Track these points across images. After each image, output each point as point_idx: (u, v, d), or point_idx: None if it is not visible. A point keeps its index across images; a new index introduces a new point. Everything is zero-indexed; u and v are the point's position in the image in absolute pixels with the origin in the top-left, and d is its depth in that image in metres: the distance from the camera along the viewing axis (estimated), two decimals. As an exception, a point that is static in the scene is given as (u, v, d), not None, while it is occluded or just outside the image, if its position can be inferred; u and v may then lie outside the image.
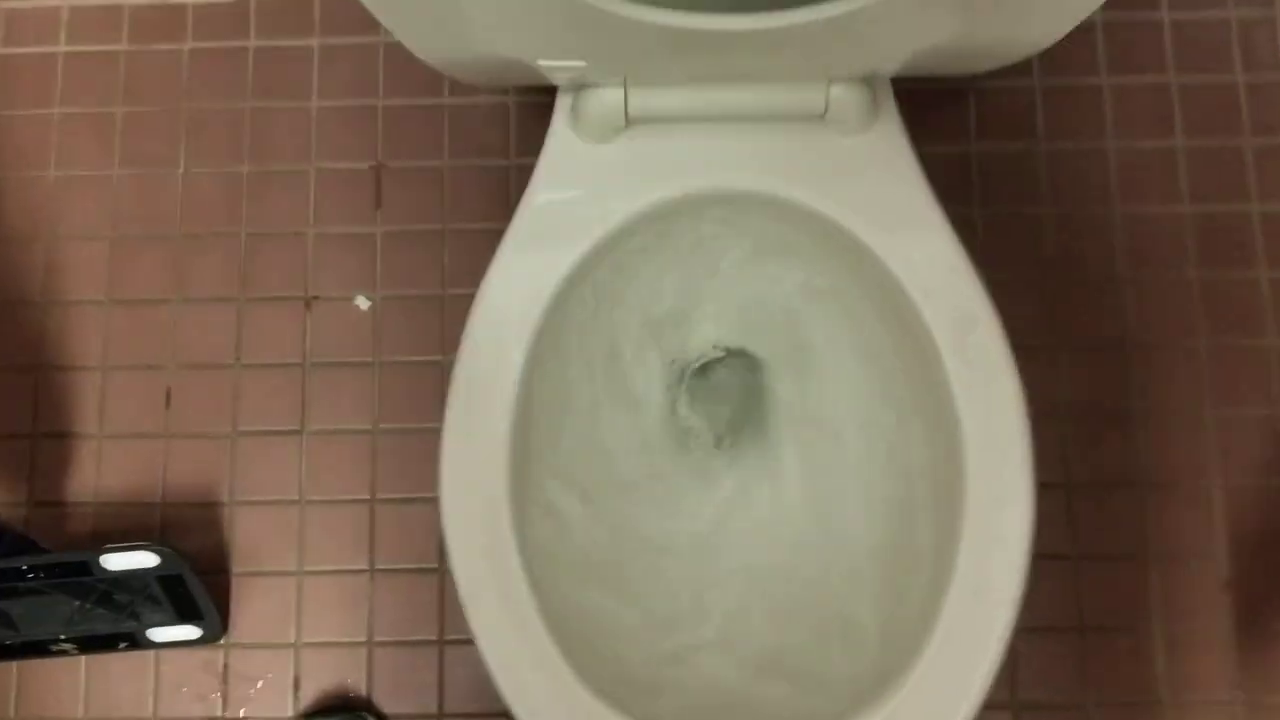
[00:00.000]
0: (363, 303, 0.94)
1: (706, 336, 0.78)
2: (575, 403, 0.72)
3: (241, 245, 0.95)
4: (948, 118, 0.95)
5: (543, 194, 0.68)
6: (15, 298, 0.95)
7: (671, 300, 0.76)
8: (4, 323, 0.94)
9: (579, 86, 0.66)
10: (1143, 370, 0.91)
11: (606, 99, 0.65)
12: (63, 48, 0.99)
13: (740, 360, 0.79)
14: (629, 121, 0.66)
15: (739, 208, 0.70)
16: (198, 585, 0.84)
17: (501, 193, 0.94)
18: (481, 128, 0.96)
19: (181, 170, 0.97)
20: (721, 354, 0.78)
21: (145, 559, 0.81)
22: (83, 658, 0.87)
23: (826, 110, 0.65)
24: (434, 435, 0.63)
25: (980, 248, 0.91)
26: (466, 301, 0.65)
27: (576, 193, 0.68)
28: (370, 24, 0.97)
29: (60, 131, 0.98)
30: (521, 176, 0.71)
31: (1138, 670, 0.87)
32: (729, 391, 0.79)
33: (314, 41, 0.98)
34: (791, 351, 0.77)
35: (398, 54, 0.97)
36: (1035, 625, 0.87)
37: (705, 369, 0.78)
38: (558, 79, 0.67)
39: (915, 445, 0.69)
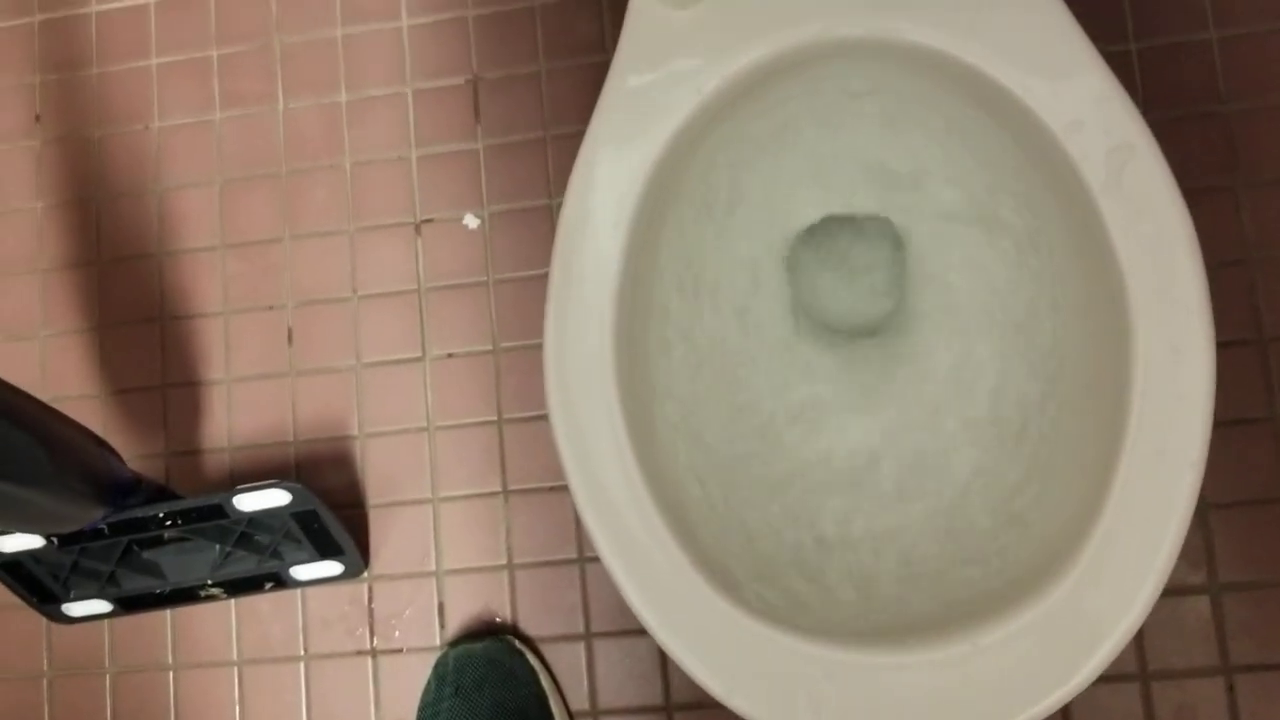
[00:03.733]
0: (472, 221, 0.90)
1: (827, 207, 0.71)
2: (685, 286, 0.67)
3: (347, 176, 0.93)
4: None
5: (627, 73, 0.62)
6: (133, 252, 0.95)
7: (786, 174, 0.69)
8: (124, 277, 0.94)
9: (656, -64, 0.60)
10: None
11: (686, -51, 0.59)
12: (153, -3, 0.98)
13: (870, 233, 0.72)
14: (714, -26, 0.60)
15: (850, 60, 0.62)
16: (333, 520, 0.82)
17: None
18: (574, 24, 0.91)
19: (281, 106, 0.95)
20: (845, 218, 0.71)
21: (277, 497, 0.80)
22: (231, 601, 0.88)
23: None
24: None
25: (1140, 87, 0.82)
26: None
27: (663, 65, 0.61)
28: (452, -68, 0.94)
29: (159, 82, 0.97)
30: (620, 71, 0.65)
31: (1355, 541, 0.77)
32: (860, 266, 0.72)
33: (399, -41, 0.95)
34: (929, 218, 0.69)
35: (484, -41, 0.93)
36: (1233, 499, 0.78)
37: (832, 244, 0.72)
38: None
39: (1075, 300, 0.61)
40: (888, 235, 0.72)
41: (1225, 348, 0.78)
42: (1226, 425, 0.79)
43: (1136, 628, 0.52)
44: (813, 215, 0.71)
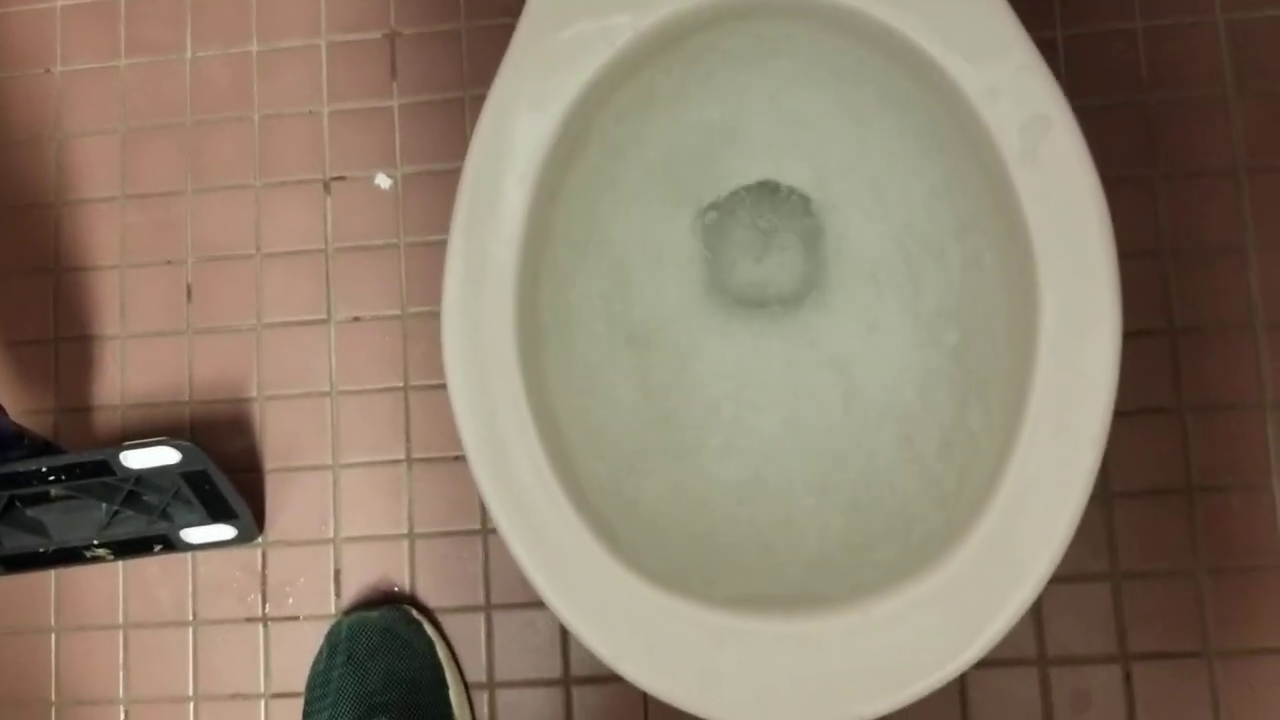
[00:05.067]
0: (384, 181, 0.88)
1: (742, 173, 0.70)
2: (589, 248, 0.65)
3: (255, 129, 0.90)
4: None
5: (538, 24, 0.59)
6: (28, 200, 0.91)
7: (698, 134, 0.68)
8: (18, 226, 0.91)
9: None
10: (1258, 199, 0.80)
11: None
12: (60, -63, 0.94)
13: (781, 197, 0.70)
14: (632, -85, 0.58)
15: (767, 18, 0.61)
16: (225, 482, 0.79)
17: (523, 51, 0.86)
18: (499, -17, 0.89)
19: (189, 54, 0.91)
20: (759, 186, 0.70)
21: (166, 455, 0.77)
22: (119, 564, 0.84)
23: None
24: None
25: (1065, 73, 0.82)
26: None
27: (576, 16, 0.59)
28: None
29: (63, 25, 0.93)
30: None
31: (1254, 532, 0.77)
32: (773, 230, 0.71)
33: (317, -93, 0.92)
34: (840, 183, 0.68)
35: (406, -86, 0.90)
36: (1137, 489, 0.78)
37: (745, 208, 0.70)
38: None
39: (984, 271, 0.61)
40: (801, 202, 0.71)
41: (1134, 337, 0.79)
42: (1133, 415, 0.79)
43: (1030, 602, 0.52)
44: (726, 178, 0.69)
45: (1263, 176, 0.81)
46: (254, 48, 0.90)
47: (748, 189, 0.70)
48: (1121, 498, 0.78)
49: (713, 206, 0.70)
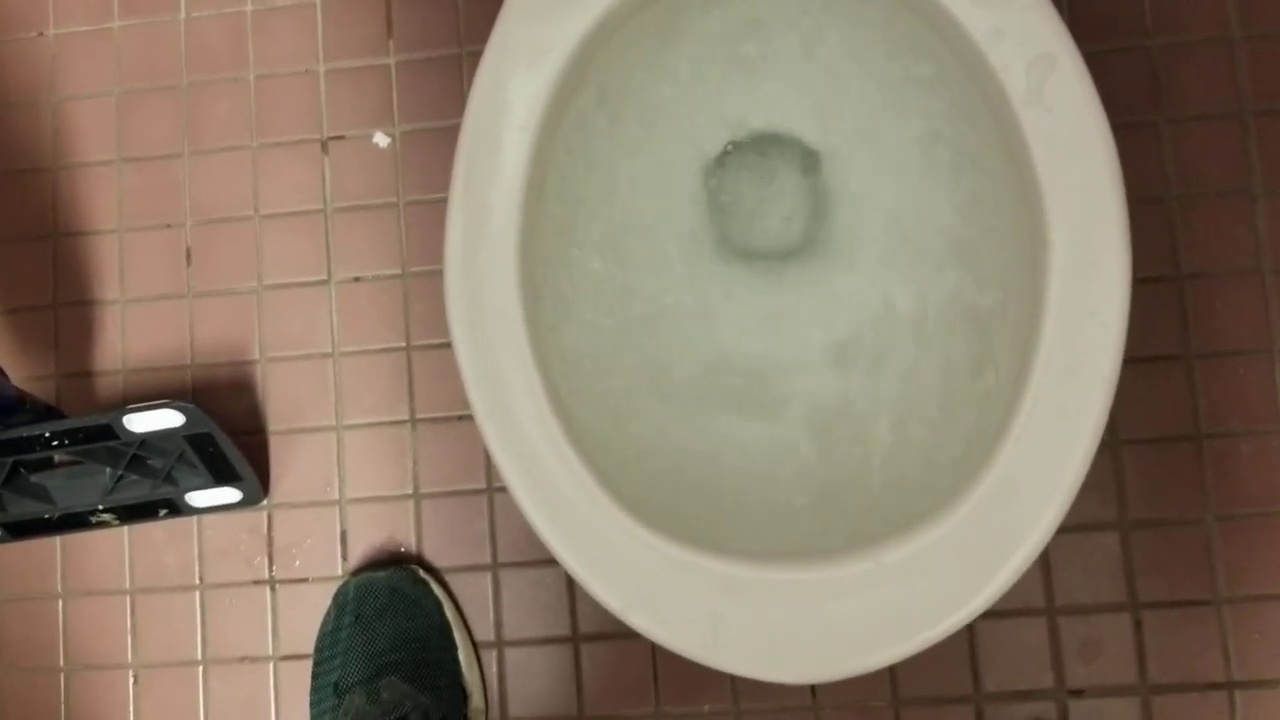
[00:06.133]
0: (382, 140, 0.87)
1: (745, 120, 0.69)
2: (592, 198, 0.64)
3: (251, 89, 0.89)
4: None
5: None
6: (24, 165, 0.90)
7: (699, 79, 0.67)
8: (15, 191, 0.90)
9: None
10: (1266, 141, 0.79)
11: None
12: (48, -103, 0.93)
13: (786, 146, 0.70)
14: None
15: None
16: (229, 445, 0.79)
17: (520, 5, 0.85)
18: (494, -64, 0.87)
19: (183, 15, 0.90)
20: (762, 134, 0.69)
21: (170, 417, 0.77)
22: (125, 529, 0.84)
23: None
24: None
25: (1068, 19, 0.81)
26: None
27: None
28: None
29: (54, -13, 0.92)
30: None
31: (1263, 479, 0.77)
32: (778, 181, 0.70)
33: None
34: (844, 130, 0.67)
35: None
36: (1145, 436, 0.78)
37: (748, 157, 0.69)
38: None
39: (990, 213, 0.60)
40: (805, 150, 0.70)
41: (1141, 284, 0.78)
42: (1142, 361, 0.78)
43: (1039, 548, 0.51)
44: (727, 128, 0.68)
45: (1269, 119, 0.80)
46: (248, 7, 0.89)
47: (751, 137, 0.69)
48: (1130, 445, 0.78)
49: (716, 156, 0.69)
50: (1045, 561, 0.77)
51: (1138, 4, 0.82)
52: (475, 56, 0.85)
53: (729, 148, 0.69)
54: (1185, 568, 0.77)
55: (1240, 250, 0.79)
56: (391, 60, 0.87)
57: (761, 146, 0.70)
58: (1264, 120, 0.80)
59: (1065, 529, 0.51)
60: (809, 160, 0.70)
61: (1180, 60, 0.81)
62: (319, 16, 0.88)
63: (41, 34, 0.92)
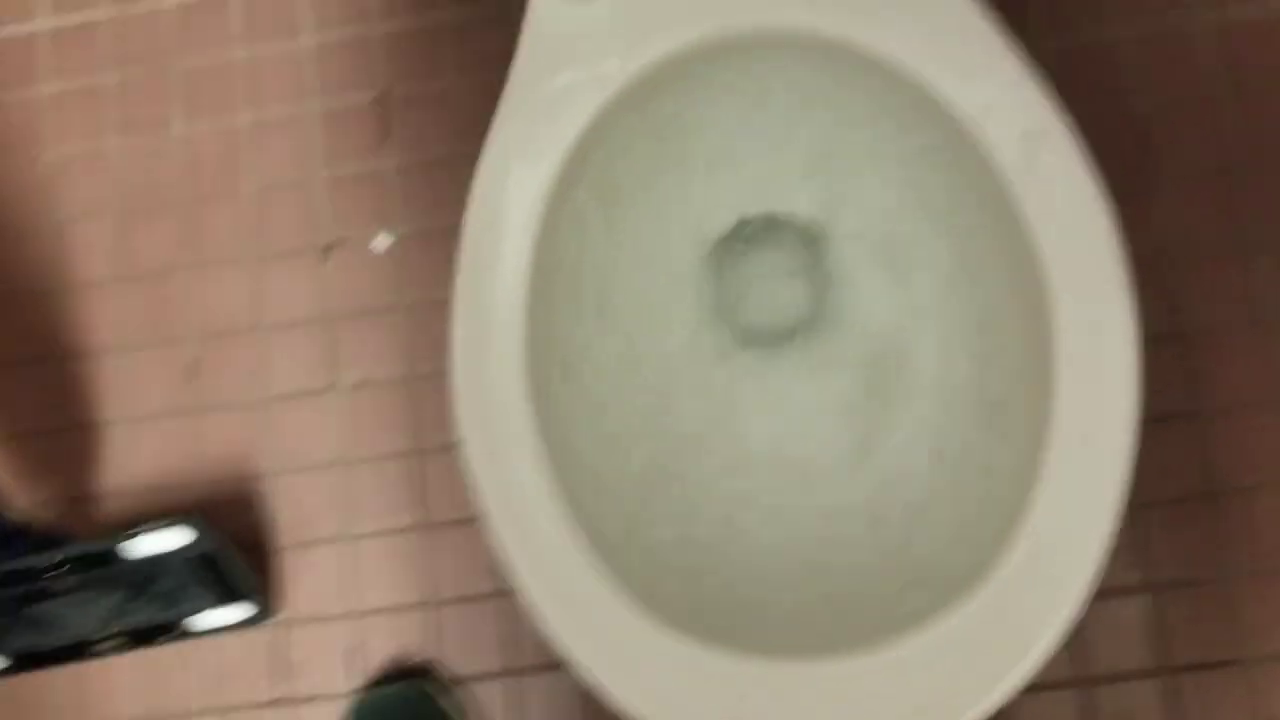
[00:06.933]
0: (382, 243, 0.87)
1: (743, 206, 0.69)
2: (594, 290, 0.64)
3: (250, 200, 0.89)
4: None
5: (530, 71, 0.59)
6: (24, 287, 0.90)
7: (697, 168, 0.67)
8: (15, 314, 0.89)
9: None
10: (1259, 196, 0.79)
11: (583, -70, 0.57)
12: (43, 23, 0.94)
13: (783, 230, 0.69)
14: (614, -36, 0.57)
15: (756, 53, 0.60)
16: (237, 562, 0.77)
17: (514, 103, 0.86)
18: (485, 39, 0.88)
19: (179, 132, 0.91)
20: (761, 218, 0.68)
21: (175, 537, 0.75)
22: (132, 654, 0.82)
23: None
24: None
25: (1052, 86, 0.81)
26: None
27: (566, 62, 0.58)
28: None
29: (49, 112, 0.92)
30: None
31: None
32: (776, 263, 0.70)
33: (301, -28, 0.91)
34: (840, 212, 0.67)
35: (390, -26, 0.90)
36: (1165, 497, 0.76)
37: (748, 242, 0.69)
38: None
39: (991, 287, 0.59)
40: (803, 233, 0.70)
41: (1145, 344, 0.77)
42: (1151, 422, 0.77)
43: (1074, 621, 0.50)
44: (728, 215, 0.68)
45: (1257, 175, 0.79)
46: (243, 121, 0.90)
47: (750, 222, 0.69)
48: (1148, 508, 0.76)
49: (716, 241, 0.69)
50: (1077, 630, 0.75)
51: (1120, 70, 0.82)
52: (472, 157, 0.85)
53: (728, 234, 0.69)
54: (1217, 627, 0.74)
55: (1240, 304, 0.78)
56: (389, 164, 0.88)
57: (761, 230, 0.69)
58: (1253, 176, 0.79)
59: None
60: (809, 241, 0.69)
61: (1167, 123, 0.81)
62: (316, 124, 0.89)
63: (38, 158, 0.92)
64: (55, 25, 0.94)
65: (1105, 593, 0.73)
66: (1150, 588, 0.75)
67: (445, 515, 0.82)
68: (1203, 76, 0.81)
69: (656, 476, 0.62)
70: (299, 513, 0.83)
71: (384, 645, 0.80)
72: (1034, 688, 0.73)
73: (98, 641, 0.78)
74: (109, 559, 0.75)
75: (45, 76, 0.93)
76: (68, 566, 0.75)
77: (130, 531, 0.75)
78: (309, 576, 0.82)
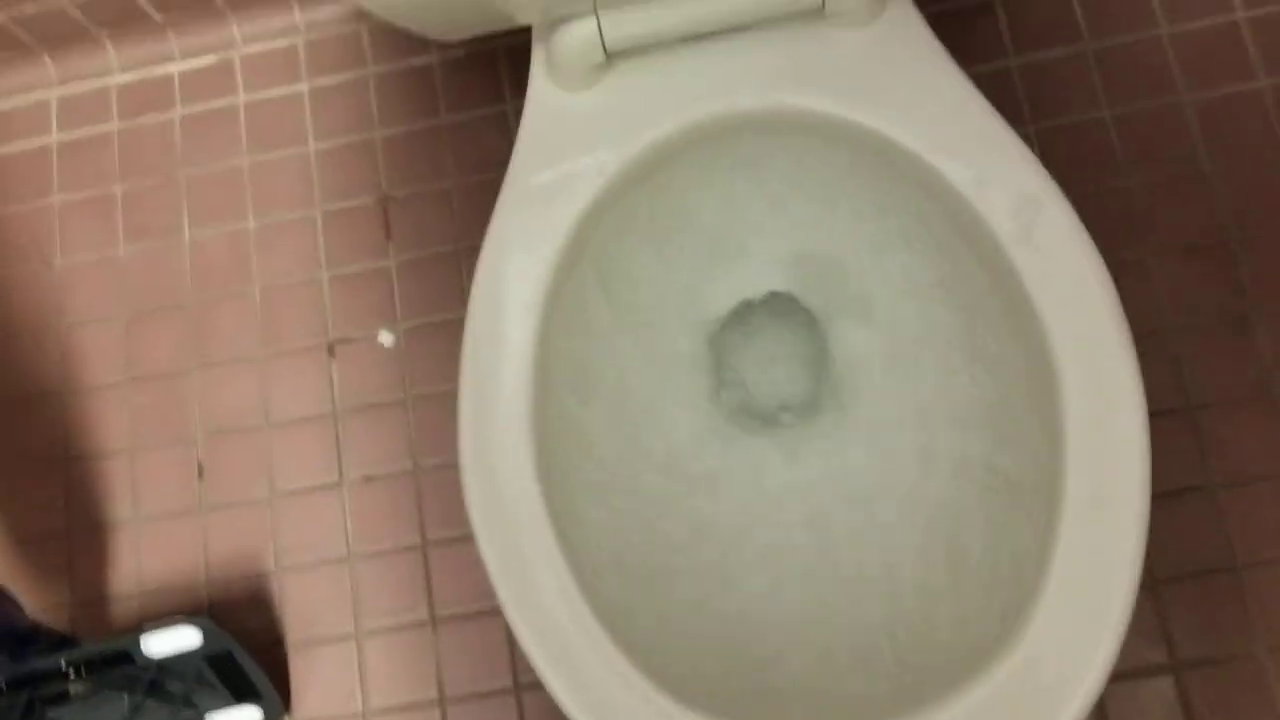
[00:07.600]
0: (386, 339, 0.88)
1: (741, 286, 0.70)
2: (600, 375, 0.65)
3: (256, 301, 0.90)
4: (979, 34, 0.87)
5: (527, 161, 0.61)
6: (33, 390, 0.91)
7: (694, 249, 0.68)
8: (25, 418, 0.90)
9: (551, 23, 0.60)
10: (1251, 265, 0.80)
11: (579, 32, 0.59)
12: (55, 137, 0.96)
13: (785, 311, 0.70)
14: (609, 54, 0.59)
15: (750, 136, 0.62)
16: (249, 661, 0.77)
17: (513, 199, 0.88)
18: (482, 139, 0.91)
19: (187, 237, 0.93)
20: (759, 299, 0.69)
21: (187, 637, 0.75)
22: (145, 758, 0.81)
23: (825, 2, 0.58)
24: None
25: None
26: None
27: (564, 150, 0.60)
28: (358, 57, 0.94)
29: (61, 219, 0.95)
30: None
31: (1311, 604, 0.75)
32: (780, 346, 0.71)
33: (303, 86, 0.95)
34: (840, 290, 0.68)
35: (390, 82, 0.93)
36: (1184, 572, 0.76)
37: (747, 327, 0.70)
38: (523, 16, 0.61)
39: (996, 361, 0.60)
40: (803, 312, 0.71)
41: (1152, 418, 0.77)
42: (1165, 497, 0.77)
43: (1095, 696, 0.49)
44: (729, 298, 0.69)
45: (1252, 244, 0.81)
46: (251, 224, 0.92)
47: (749, 302, 0.70)
48: (1168, 583, 0.76)
49: (719, 323, 0.70)
50: (1101, 712, 0.74)
51: (1109, 144, 0.84)
52: (472, 252, 0.86)
53: (731, 315, 0.70)
54: (1246, 702, 0.74)
55: (1244, 375, 0.79)
56: (392, 262, 0.89)
57: (761, 310, 0.71)
58: (1249, 245, 0.81)
59: (1115, 676, 0.49)
60: (808, 321, 0.70)
61: (1157, 195, 0.83)
62: (319, 227, 0.91)
63: (49, 264, 0.94)
64: (68, 139, 0.96)
65: (1128, 673, 0.73)
66: (1173, 667, 0.75)
67: (452, 608, 0.82)
68: (1188, 153, 0.83)
69: (670, 555, 0.62)
70: (306, 610, 0.83)
71: (395, 744, 0.80)
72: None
73: (109, 747, 0.78)
74: (121, 661, 0.75)
75: (58, 186, 0.95)
76: (81, 670, 0.75)
77: (145, 629, 0.75)
78: (318, 675, 0.82)
